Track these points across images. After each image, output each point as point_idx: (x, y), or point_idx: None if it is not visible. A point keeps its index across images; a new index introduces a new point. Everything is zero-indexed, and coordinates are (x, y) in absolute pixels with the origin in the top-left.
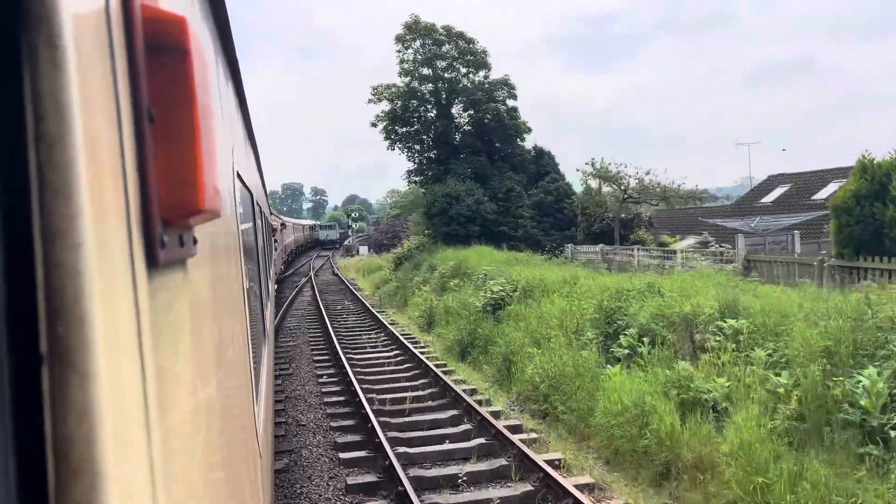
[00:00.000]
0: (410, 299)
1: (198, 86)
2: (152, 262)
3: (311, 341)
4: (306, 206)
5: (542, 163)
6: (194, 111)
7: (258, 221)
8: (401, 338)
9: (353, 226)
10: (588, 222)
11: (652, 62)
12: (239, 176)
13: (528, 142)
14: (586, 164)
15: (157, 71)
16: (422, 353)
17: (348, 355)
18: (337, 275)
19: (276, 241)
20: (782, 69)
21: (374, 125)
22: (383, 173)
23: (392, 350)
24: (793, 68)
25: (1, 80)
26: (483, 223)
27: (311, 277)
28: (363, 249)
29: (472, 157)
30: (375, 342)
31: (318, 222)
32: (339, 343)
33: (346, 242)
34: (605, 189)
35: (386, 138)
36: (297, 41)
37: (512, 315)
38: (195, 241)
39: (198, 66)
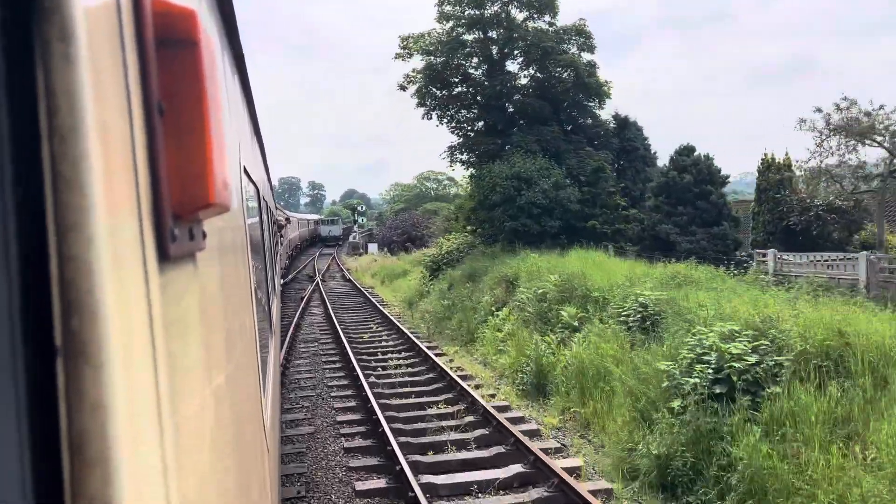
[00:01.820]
0: (479, 330)
1: (207, 79)
2: (163, 256)
3: (337, 425)
4: (304, 200)
5: (627, 136)
6: (204, 105)
7: (264, 216)
8: (501, 420)
9: (360, 220)
10: (774, 215)
11: (650, 60)
12: (245, 171)
13: (605, 110)
14: (817, 110)
15: (167, 64)
16: (567, 469)
17: (424, 478)
18: (350, 280)
19: (281, 236)
20: (782, 68)
21: (402, 88)
22: (381, 169)
23: (503, 460)
24: (792, 67)
25: (15, 73)
26: (563, 215)
27: (318, 284)
28: (372, 248)
29: (538, 128)
30: (460, 430)
31: (320, 216)
32: (393, 433)
33: (350, 239)
34: (829, 160)
35: (420, 104)
36: (294, 39)
37: (799, 415)
38: (204, 235)
39: (207, 59)
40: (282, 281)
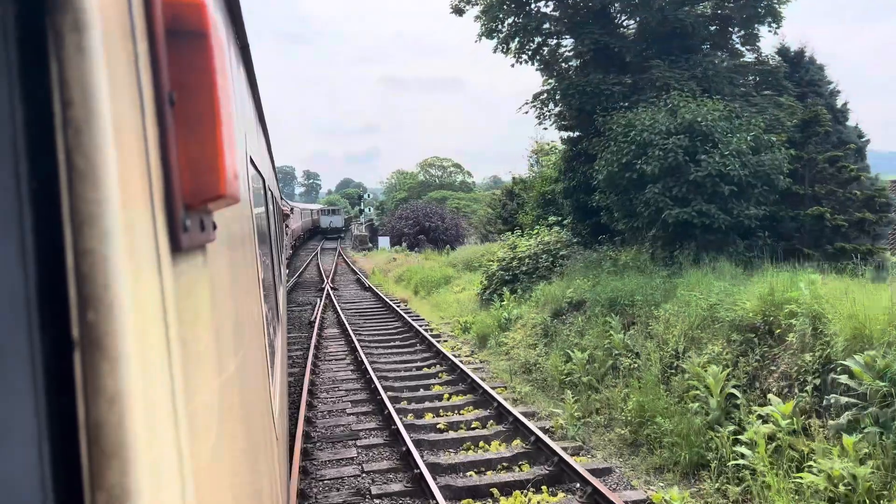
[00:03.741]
0: (714, 442)
1: (217, 70)
2: (176, 247)
3: None
4: (299, 190)
5: (805, 77)
6: (214, 96)
7: (270, 206)
8: None
9: (366, 210)
10: None
11: None
12: (252, 161)
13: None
14: None
15: (177, 55)
16: None
17: None
18: (369, 289)
19: (287, 226)
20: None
21: (457, 11)
22: (373, 158)
23: None
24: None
25: (28, 64)
26: (765, 197)
27: (329, 295)
28: (384, 242)
29: (694, 58)
30: None
31: (320, 206)
32: None
33: (355, 232)
34: None
35: (488, 33)
36: (283, 26)
37: None
38: (214, 226)
39: (216, 50)
40: (286, 270)
